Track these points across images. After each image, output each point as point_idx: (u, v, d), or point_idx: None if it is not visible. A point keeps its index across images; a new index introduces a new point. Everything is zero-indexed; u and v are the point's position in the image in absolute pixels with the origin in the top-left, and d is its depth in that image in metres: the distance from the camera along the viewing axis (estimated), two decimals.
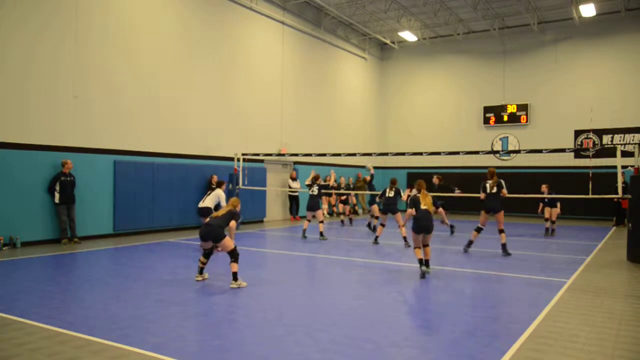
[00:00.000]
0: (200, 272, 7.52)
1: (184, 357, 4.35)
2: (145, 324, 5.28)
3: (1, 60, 10.39)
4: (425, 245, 8.18)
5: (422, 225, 8.01)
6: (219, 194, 10.83)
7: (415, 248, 8.19)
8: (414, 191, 8.55)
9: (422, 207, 8.10)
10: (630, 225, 9.77)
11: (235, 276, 7.07)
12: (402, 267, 9.01)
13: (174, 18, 14.27)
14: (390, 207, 11.94)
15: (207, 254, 7.48)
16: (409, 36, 22.10)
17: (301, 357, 4.38)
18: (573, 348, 4.72)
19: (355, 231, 14.92)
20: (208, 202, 10.74)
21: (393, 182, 12.51)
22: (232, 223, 7.34)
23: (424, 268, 8.01)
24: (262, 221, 15.37)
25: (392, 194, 12.27)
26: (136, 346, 4.57)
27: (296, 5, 18.85)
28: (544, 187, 13.72)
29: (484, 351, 4.61)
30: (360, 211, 21.50)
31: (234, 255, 7.15)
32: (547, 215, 13.98)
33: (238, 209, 7.64)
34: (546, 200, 13.99)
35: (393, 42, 23.76)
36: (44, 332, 4.94)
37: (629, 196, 9.92)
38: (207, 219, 7.55)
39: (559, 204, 13.90)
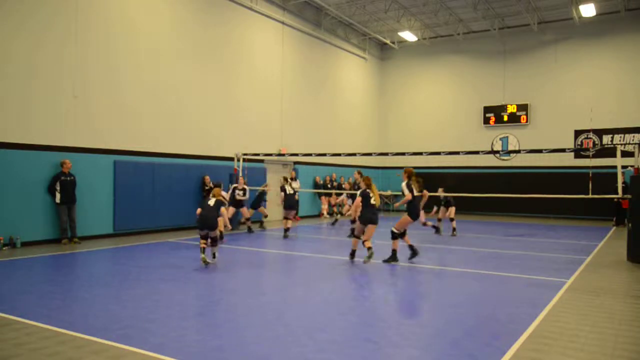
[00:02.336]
0: (204, 251, 8.76)
1: (184, 357, 4.35)
2: (145, 324, 5.28)
3: (3, 61, 10.40)
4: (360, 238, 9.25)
5: (370, 218, 9.01)
6: (221, 195, 10.91)
7: (363, 239, 9.09)
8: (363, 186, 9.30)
9: (372, 201, 9.10)
10: (630, 225, 9.77)
11: (215, 255, 8.93)
12: (403, 267, 9.01)
13: (174, 18, 14.27)
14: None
15: (205, 236, 8.86)
16: (409, 36, 22.09)
17: (301, 357, 4.39)
18: (573, 348, 4.72)
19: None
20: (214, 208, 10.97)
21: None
22: (223, 210, 9.17)
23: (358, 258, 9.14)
24: (261, 221, 15.39)
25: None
26: (136, 346, 4.56)
27: (296, 5, 18.84)
28: (440, 190, 13.84)
29: (484, 351, 4.61)
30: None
31: (217, 240, 8.97)
32: (441, 215, 14.07)
33: (222, 197, 9.34)
34: (442, 201, 14.14)
35: (393, 42, 23.75)
36: (44, 332, 4.94)
37: (629, 196, 9.92)
38: (200, 210, 8.89)
39: (453, 207, 14.04)
